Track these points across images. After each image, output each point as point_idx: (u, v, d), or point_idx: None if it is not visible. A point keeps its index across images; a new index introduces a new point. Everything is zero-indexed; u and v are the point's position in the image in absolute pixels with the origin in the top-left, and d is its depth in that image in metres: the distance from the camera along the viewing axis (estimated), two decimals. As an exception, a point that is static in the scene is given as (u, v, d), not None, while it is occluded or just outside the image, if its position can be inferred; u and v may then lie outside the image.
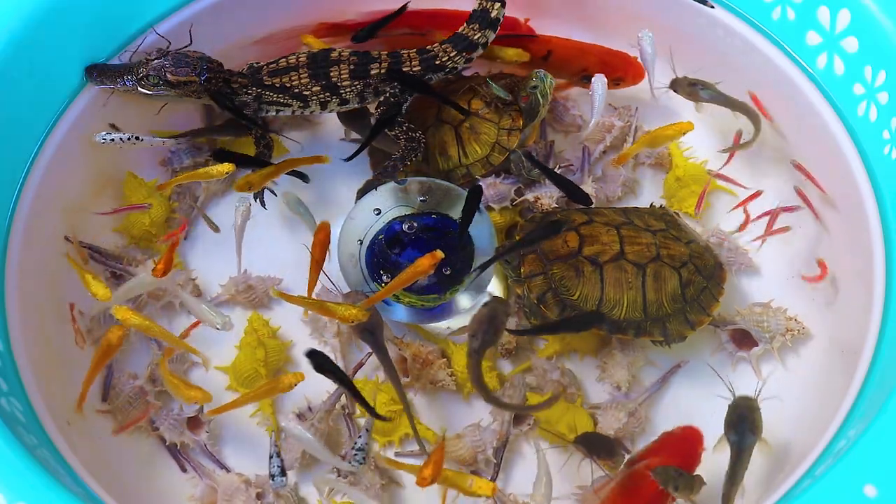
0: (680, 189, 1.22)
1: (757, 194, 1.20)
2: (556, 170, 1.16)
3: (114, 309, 1.03)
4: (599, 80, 1.17)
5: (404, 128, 1.14)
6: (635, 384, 1.11)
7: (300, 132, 1.27)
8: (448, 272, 1.08)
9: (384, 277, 1.09)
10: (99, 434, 1.07)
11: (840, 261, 1.13)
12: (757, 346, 1.12)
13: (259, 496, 1.05)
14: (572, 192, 1.13)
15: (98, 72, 1.11)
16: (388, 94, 1.14)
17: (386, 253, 1.09)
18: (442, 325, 1.14)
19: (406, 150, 1.14)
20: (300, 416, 1.08)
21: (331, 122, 1.26)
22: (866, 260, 1.06)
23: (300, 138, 1.25)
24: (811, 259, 1.15)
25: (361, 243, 1.12)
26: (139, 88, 1.11)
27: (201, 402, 1.04)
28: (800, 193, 1.18)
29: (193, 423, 1.09)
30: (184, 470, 1.09)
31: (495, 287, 1.17)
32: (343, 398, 1.09)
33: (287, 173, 1.13)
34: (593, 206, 1.16)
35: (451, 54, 1.14)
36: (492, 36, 1.16)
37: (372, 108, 1.18)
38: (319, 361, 0.99)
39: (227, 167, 1.09)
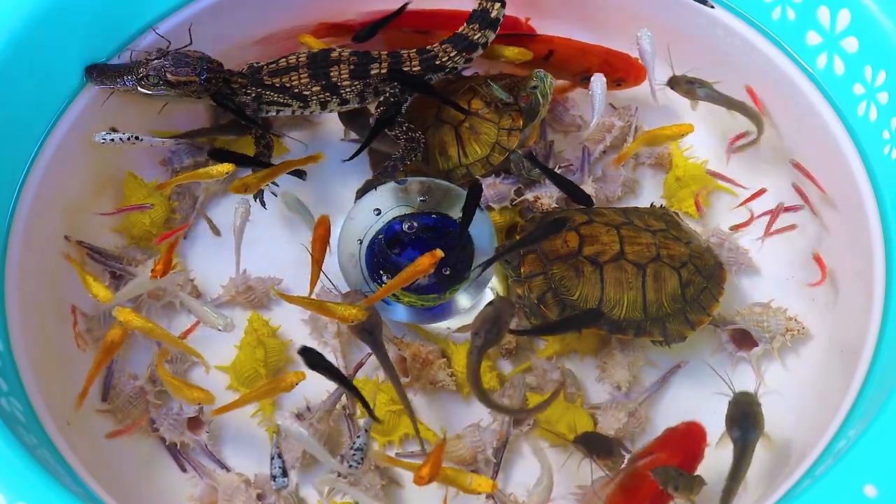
0: (680, 189, 1.22)
1: (761, 192, 1.20)
2: (556, 170, 1.16)
3: (116, 311, 1.03)
4: (598, 80, 1.17)
5: (404, 128, 1.14)
6: (635, 384, 1.11)
7: (300, 132, 1.27)
8: (448, 272, 1.08)
9: (384, 277, 1.09)
10: (99, 434, 1.07)
11: (840, 261, 1.13)
12: (757, 346, 1.12)
13: (259, 496, 1.05)
14: (573, 193, 1.13)
15: (98, 72, 1.11)
16: (388, 94, 1.14)
17: (386, 253, 1.09)
18: (442, 325, 1.14)
19: (406, 150, 1.14)
20: (299, 416, 1.08)
21: (331, 122, 1.26)
22: (866, 260, 1.06)
23: (300, 138, 1.25)
24: (811, 259, 1.15)
25: (361, 243, 1.12)
26: (139, 88, 1.11)
27: (203, 402, 1.04)
28: (798, 190, 1.18)
29: (193, 422, 1.09)
30: (184, 470, 1.09)
31: (495, 287, 1.17)
32: (344, 398, 1.09)
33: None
34: (594, 206, 1.16)
35: (451, 54, 1.14)
36: (492, 36, 1.16)
37: (372, 108, 1.18)
38: (312, 358, 0.99)
39: (226, 167, 1.09)
